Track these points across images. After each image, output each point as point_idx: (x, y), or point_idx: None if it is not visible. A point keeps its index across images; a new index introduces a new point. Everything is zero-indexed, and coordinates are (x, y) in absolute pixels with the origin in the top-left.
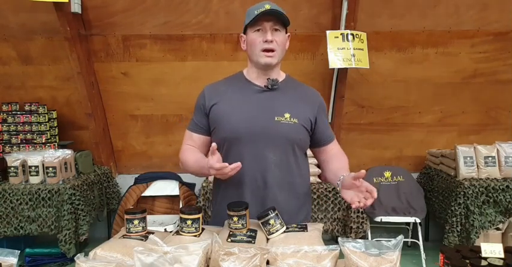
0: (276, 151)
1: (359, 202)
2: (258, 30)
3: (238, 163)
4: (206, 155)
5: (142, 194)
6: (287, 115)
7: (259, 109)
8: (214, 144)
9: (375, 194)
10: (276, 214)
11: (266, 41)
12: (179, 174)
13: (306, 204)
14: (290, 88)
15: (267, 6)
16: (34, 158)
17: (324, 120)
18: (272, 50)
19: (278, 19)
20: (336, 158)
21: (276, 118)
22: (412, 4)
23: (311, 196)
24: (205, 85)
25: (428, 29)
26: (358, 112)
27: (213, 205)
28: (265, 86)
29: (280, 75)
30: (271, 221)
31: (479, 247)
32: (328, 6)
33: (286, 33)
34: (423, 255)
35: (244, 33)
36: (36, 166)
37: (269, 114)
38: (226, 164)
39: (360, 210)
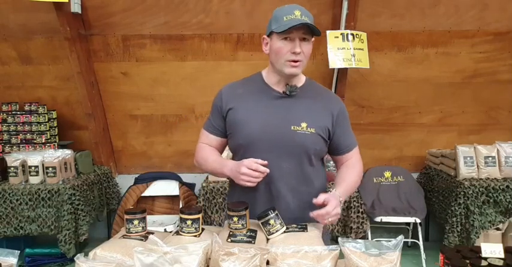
0: (291, 161)
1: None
2: (286, 38)
3: (267, 170)
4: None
5: (142, 194)
6: (304, 125)
7: (275, 117)
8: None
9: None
10: (276, 214)
11: (294, 53)
12: (179, 174)
13: None
14: (309, 94)
15: (297, 13)
16: (34, 158)
17: (345, 127)
18: (299, 61)
19: (309, 29)
20: (347, 167)
21: (292, 128)
22: (412, 4)
23: None
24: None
25: (428, 29)
26: (358, 112)
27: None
28: (283, 92)
29: (300, 80)
30: (271, 221)
31: (479, 247)
32: (328, 6)
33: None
34: (423, 256)
35: (268, 35)
36: (36, 166)
37: (285, 122)
38: (260, 166)
39: (360, 210)
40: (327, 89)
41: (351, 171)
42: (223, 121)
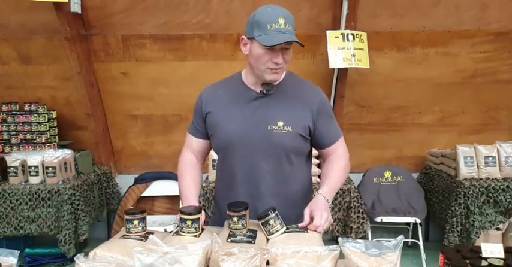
0: (269, 161)
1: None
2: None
3: None
4: (204, 159)
5: (142, 194)
6: (280, 124)
7: (252, 117)
8: None
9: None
10: (276, 214)
11: (275, 63)
12: None
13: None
14: (288, 91)
15: (281, 21)
16: (34, 158)
17: (326, 119)
18: (280, 68)
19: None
20: (331, 161)
21: (268, 127)
22: (412, 4)
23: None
24: (204, 87)
25: (428, 29)
26: (358, 112)
27: (214, 206)
28: (260, 91)
29: None
30: (271, 222)
31: (479, 247)
32: (328, 6)
33: None
34: (423, 256)
35: (248, 37)
36: (36, 166)
37: (262, 122)
38: None
39: (360, 210)
40: (306, 82)
41: (335, 166)
42: (204, 123)
